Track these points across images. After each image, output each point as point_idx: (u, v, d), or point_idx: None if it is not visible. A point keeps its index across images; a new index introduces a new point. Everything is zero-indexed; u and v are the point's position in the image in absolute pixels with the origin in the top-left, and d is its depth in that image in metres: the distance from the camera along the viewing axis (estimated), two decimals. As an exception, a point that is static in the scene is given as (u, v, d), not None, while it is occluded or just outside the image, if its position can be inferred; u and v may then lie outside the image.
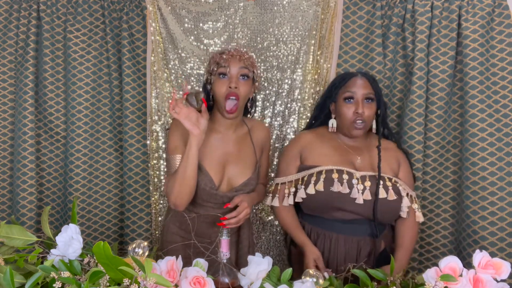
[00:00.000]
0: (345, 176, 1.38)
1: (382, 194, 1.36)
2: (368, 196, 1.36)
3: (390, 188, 1.38)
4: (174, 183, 1.33)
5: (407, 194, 1.43)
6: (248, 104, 1.55)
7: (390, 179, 1.41)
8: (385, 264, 1.21)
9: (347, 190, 1.35)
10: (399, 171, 1.46)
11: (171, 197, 1.35)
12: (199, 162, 1.37)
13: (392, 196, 1.37)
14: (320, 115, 1.58)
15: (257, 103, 1.87)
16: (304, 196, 1.41)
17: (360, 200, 1.35)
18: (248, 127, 1.55)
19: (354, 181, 1.37)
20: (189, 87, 1.39)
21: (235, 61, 1.38)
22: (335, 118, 1.51)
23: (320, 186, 1.37)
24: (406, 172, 1.48)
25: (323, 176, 1.39)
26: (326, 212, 1.40)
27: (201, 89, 1.48)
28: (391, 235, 1.50)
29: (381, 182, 1.38)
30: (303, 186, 1.41)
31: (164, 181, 1.90)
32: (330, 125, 1.52)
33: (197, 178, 1.36)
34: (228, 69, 1.38)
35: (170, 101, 1.30)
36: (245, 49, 1.51)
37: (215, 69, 1.40)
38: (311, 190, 1.38)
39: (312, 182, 1.39)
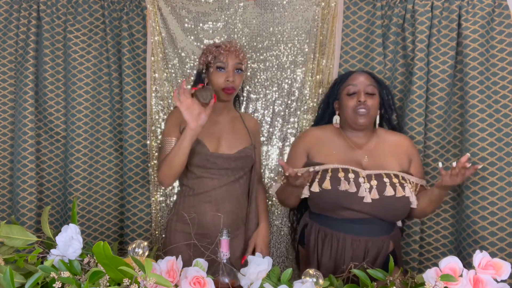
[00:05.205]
0: (351, 175, 1.38)
1: (389, 191, 1.35)
2: (375, 195, 1.35)
3: (397, 184, 1.38)
4: (164, 165, 1.44)
5: (416, 187, 1.44)
6: (239, 92, 1.71)
7: (396, 176, 1.40)
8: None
9: (354, 189, 1.35)
10: (410, 167, 1.46)
11: (159, 175, 1.47)
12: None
13: (400, 192, 1.36)
14: (325, 114, 1.60)
15: (257, 104, 1.89)
16: (308, 194, 1.41)
17: (368, 199, 1.34)
18: (239, 113, 1.67)
19: (361, 179, 1.37)
20: (188, 87, 1.46)
21: (232, 56, 1.50)
22: (339, 115, 1.53)
23: (327, 185, 1.37)
24: (418, 167, 1.49)
25: (329, 175, 1.39)
26: (334, 211, 1.39)
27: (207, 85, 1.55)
28: (400, 236, 1.49)
29: (388, 180, 1.38)
30: (307, 184, 1.41)
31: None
32: (334, 121, 1.53)
33: (193, 147, 1.43)
34: (226, 64, 1.49)
35: (176, 88, 1.42)
36: (238, 43, 1.63)
37: (212, 62, 1.51)
38: (315, 188, 1.38)
39: (317, 180, 1.39)
